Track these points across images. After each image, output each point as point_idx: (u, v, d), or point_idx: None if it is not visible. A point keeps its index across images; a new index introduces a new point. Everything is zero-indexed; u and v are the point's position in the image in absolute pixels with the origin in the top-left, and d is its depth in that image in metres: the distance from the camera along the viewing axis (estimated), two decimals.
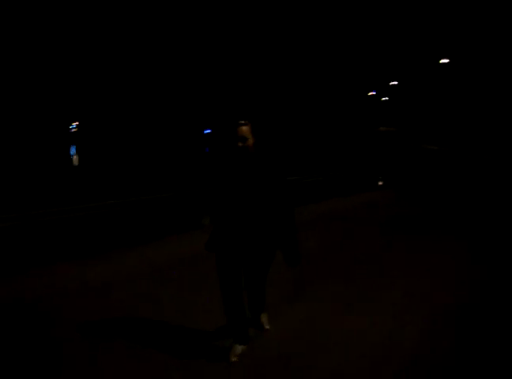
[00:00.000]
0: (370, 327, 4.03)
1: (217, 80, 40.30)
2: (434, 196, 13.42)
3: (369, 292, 4.94)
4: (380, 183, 18.33)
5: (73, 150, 36.19)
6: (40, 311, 4.46)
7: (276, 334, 3.91)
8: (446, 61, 40.54)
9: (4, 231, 8.21)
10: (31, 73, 32.91)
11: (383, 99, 50.68)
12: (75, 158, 35.35)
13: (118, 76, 38.14)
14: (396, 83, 47.22)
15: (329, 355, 3.56)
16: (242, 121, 3.30)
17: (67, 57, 34.90)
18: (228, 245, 3.37)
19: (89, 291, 5.04)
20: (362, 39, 47.95)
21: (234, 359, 3.47)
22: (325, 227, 8.87)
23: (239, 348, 3.53)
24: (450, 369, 3.37)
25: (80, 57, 35.68)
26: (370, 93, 50.14)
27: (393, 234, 7.97)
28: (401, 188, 15.72)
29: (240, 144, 3.26)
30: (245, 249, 3.36)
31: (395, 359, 3.49)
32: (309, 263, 5.61)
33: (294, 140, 41.04)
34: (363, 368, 3.38)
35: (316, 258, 6.26)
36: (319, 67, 45.97)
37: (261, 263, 3.46)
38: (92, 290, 5.09)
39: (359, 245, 7.22)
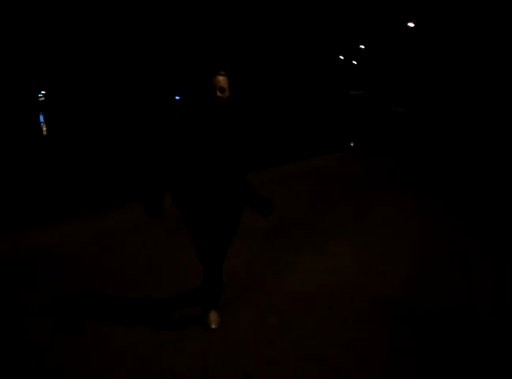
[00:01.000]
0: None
1: (187, 41, 39.82)
2: (400, 155, 14.45)
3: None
4: (351, 144, 18.95)
5: (41, 118, 35.53)
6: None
7: None
8: (412, 24, 40.88)
9: None
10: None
11: (353, 62, 50.94)
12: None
13: (86, 42, 37.34)
14: (363, 47, 47.48)
15: None
16: (222, 72, 3.10)
17: (36, 27, 33.98)
18: (195, 206, 3.17)
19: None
20: (333, 3, 47.80)
21: (214, 326, 3.36)
22: (301, 180, 9.47)
23: (215, 314, 3.42)
24: None
25: (48, 26, 34.75)
26: (340, 56, 50.34)
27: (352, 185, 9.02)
28: (370, 148, 16.50)
29: (219, 94, 3.06)
30: (212, 213, 3.17)
31: None
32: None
33: (267, 100, 41.10)
34: None
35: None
36: (291, 29, 45.77)
37: (228, 227, 3.26)
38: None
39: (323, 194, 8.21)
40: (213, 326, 3.33)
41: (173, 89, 40.57)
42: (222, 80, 3.06)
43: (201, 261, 3.29)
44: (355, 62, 50.26)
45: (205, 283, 3.33)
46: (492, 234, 5.69)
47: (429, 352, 3.08)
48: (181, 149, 3.11)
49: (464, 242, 5.37)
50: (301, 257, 4.86)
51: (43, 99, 41.57)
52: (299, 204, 7.46)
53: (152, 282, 4.22)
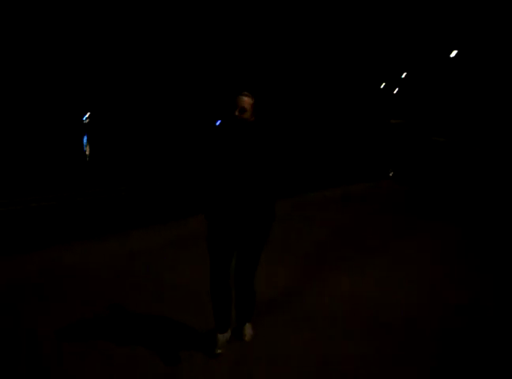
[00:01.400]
0: None
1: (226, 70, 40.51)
2: (440, 185, 14.03)
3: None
4: (391, 174, 18.62)
5: (84, 140, 36.53)
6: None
7: None
8: (454, 54, 40.52)
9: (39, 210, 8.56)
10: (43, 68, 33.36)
11: (394, 91, 50.67)
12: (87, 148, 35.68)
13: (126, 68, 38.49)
14: (405, 75, 47.21)
15: None
16: (245, 92, 3.15)
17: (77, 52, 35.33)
18: (222, 221, 3.21)
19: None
20: (373, 32, 47.91)
21: (219, 351, 3.30)
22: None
23: (222, 338, 3.35)
24: None
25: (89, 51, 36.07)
26: (381, 85, 50.17)
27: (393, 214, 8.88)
28: (410, 179, 16.16)
29: (237, 114, 3.08)
30: (239, 226, 3.18)
31: None
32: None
33: (305, 133, 41.18)
34: None
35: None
36: (331, 58, 46.01)
37: (255, 241, 3.25)
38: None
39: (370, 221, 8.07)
40: (247, 339, 3.44)
41: (213, 115, 41.24)
42: (245, 100, 3.10)
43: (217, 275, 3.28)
44: (396, 91, 50.01)
45: (238, 298, 3.41)
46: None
47: None
48: (211, 163, 3.21)
49: None
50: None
51: (87, 121, 42.82)
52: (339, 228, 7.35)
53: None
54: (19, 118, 32.06)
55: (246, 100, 3.10)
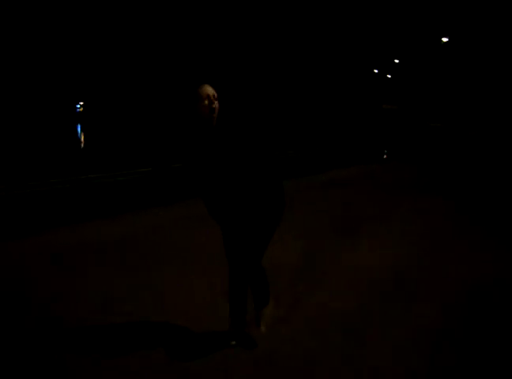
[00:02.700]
0: None
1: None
2: (435, 166, 14.42)
3: None
4: (385, 156, 18.94)
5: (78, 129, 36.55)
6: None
7: None
8: (446, 39, 40.73)
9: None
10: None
11: (387, 76, 50.88)
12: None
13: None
14: (398, 61, 47.40)
15: None
16: (204, 83, 3.00)
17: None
18: (221, 219, 3.15)
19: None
20: (368, 17, 47.98)
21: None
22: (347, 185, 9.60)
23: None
24: None
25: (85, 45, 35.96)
26: (374, 70, 50.35)
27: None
28: (404, 160, 16.52)
29: (205, 104, 2.94)
30: (236, 225, 3.09)
31: None
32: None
33: (301, 115, 41.32)
34: None
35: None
36: (326, 42, 46.10)
37: (255, 237, 3.08)
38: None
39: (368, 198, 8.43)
40: (263, 330, 3.28)
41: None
42: (207, 89, 2.96)
43: (236, 264, 3.12)
44: (389, 76, 50.23)
45: (252, 284, 3.24)
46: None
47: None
48: (195, 163, 3.08)
49: None
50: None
51: (81, 110, 42.80)
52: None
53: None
54: (13, 110, 32.02)
55: (209, 90, 2.97)
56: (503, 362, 3.00)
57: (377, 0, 47.80)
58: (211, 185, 3.03)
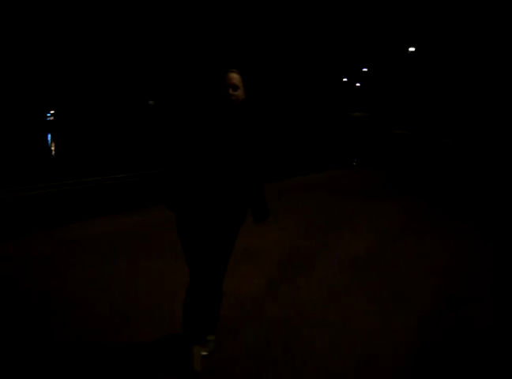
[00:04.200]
0: None
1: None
2: (402, 172, 15.06)
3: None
4: (354, 163, 19.40)
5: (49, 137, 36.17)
6: None
7: None
8: (413, 49, 41.86)
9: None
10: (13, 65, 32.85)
11: (357, 84, 51.95)
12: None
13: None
14: (366, 70, 48.49)
15: None
16: (233, 69, 2.94)
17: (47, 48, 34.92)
18: (191, 210, 2.90)
19: None
20: (337, 28, 48.95)
21: (198, 368, 2.82)
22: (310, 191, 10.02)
23: (198, 351, 2.86)
24: None
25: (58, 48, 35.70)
26: (343, 79, 51.34)
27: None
28: (373, 166, 17.03)
29: (231, 92, 2.87)
30: (210, 214, 2.88)
31: None
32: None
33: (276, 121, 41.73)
34: None
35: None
36: (295, 50, 46.79)
37: (228, 232, 2.93)
38: None
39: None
40: (196, 366, 2.81)
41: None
42: (234, 77, 2.89)
43: (195, 277, 2.89)
44: (358, 84, 51.33)
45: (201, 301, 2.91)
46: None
47: None
48: (187, 146, 2.92)
49: None
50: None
51: (51, 118, 42.35)
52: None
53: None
54: None
55: (236, 77, 2.89)
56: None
57: (345, 10, 48.80)
58: (200, 163, 2.86)
